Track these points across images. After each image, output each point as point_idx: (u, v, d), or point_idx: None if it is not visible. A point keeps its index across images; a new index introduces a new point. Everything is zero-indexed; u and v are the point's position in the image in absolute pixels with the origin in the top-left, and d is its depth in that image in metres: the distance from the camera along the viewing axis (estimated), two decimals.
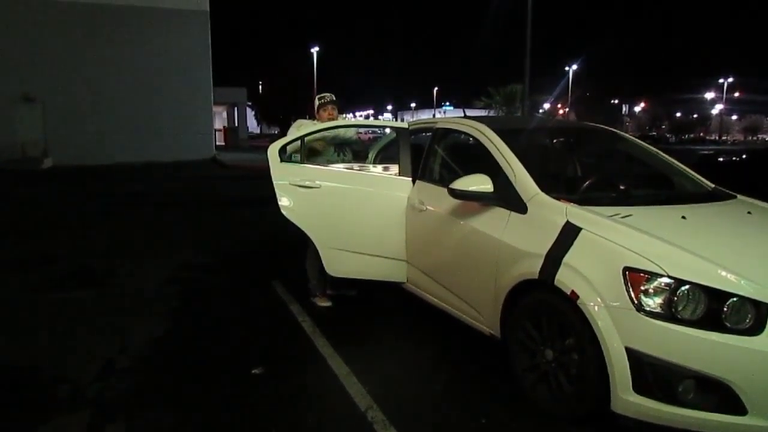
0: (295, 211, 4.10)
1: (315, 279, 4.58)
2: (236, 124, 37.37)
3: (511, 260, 3.04)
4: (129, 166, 20.59)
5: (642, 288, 2.45)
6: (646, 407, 2.42)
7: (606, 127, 4.58)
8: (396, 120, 12.45)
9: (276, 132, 43.73)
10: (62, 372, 3.34)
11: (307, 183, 4.09)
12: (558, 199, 3.06)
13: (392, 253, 4.14)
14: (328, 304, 4.57)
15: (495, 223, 3.23)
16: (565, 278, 2.69)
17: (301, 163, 4.23)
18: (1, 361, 3.55)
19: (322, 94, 4.75)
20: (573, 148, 4.45)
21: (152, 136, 23.42)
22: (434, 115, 54.40)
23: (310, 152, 4.37)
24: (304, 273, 4.62)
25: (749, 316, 2.35)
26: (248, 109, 42.26)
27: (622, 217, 2.84)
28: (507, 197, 3.23)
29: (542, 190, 3.13)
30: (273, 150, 4.18)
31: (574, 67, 49.58)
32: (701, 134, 76.74)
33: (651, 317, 2.41)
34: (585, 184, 3.51)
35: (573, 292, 2.63)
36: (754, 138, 75.12)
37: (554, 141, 4.72)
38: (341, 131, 4.51)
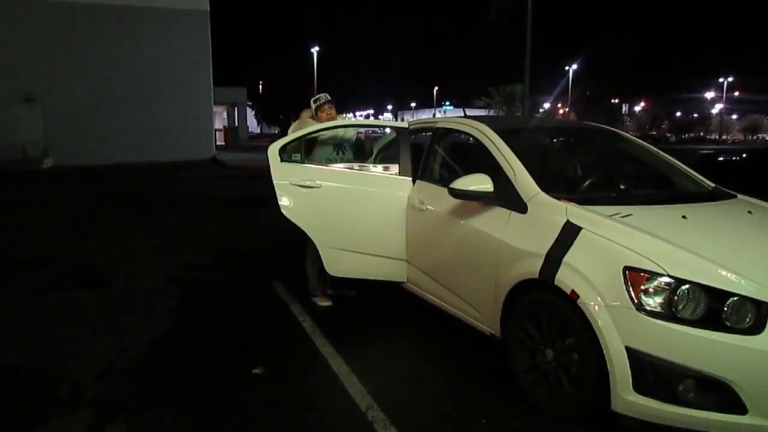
0: (296, 210, 4.10)
1: (315, 279, 4.59)
2: (236, 124, 37.38)
3: (512, 260, 3.04)
4: (129, 166, 20.59)
5: (642, 287, 2.45)
6: (646, 407, 2.42)
7: (606, 127, 4.59)
8: (396, 120, 12.48)
9: (276, 132, 43.76)
10: (62, 372, 3.34)
11: (308, 183, 4.09)
12: (558, 198, 3.06)
13: (392, 252, 4.14)
14: (328, 303, 4.57)
15: (495, 222, 3.23)
16: (565, 278, 2.69)
17: (302, 163, 4.23)
18: (1, 361, 3.55)
19: (316, 96, 4.74)
20: (573, 147, 4.45)
21: (152, 136, 23.41)
22: (434, 115, 54.40)
23: (308, 145, 4.37)
24: (305, 273, 4.62)
25: (749, 315, 2.35)
26: (248, 109, 42.27)
27: (623, 217, 2.84)
28: (507, 197, 3.23)
29: (542, 189, 3.13)
30: (273, 150, 4.18)
31: (574, 66, 49.57)
32: (701, 134, 76.70)
33: (651, 317, 2.41)
34: (585, 184, 3.51)
35: (573, 291, 2.63)
36: (754, 137, 75.10)
37: (554, 141, 4.73)
38: (340, 131, 4.52)
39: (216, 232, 8.12)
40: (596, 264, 2.63)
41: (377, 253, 4.15)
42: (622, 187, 3.55)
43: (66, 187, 14.42)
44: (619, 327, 2.47)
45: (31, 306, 4.63)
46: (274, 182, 4.11)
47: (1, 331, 4.08)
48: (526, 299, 2.98)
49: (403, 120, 5.40)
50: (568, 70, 49.15)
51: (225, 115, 39.64)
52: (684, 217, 2.96)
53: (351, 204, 4.15)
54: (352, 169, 4.29)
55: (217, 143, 29.56)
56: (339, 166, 4.30)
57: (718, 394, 2.34)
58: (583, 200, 3.07)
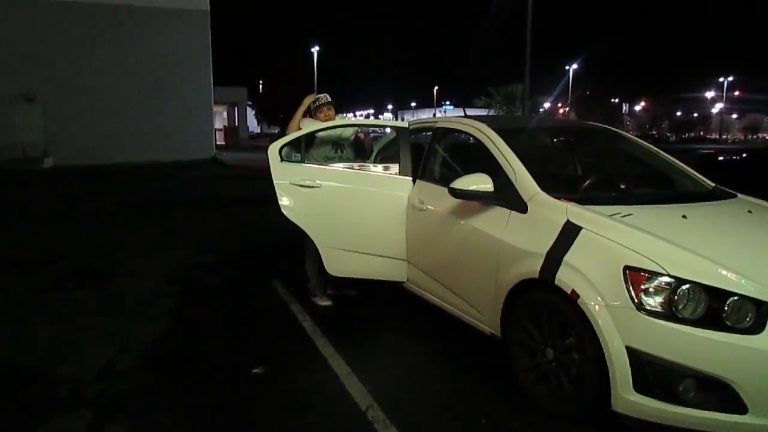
0: (296, 210, 4.10)
1: (314, 278, 4.59)
2: (236, 124, 37.36)
3: (512, 259, 3.04)
4: (129, 165, 20.59)
5: (642, 287, 2.45)
6: (646, 406, 2.42)
7: (606, 127, 4.58)
8: (396, 119, 12.47)
9: (276, 131, 43.72)
10: (62, 372, 3.34)
11: (308, 182, 4.09)
12: (558, 198, 3.06)
13: (393, 252, 4.13)
14: (328, 303, 4.57)
15: (495, 222, 3.23)
16: (565, 277, 2.69)
17: (301, 162, 4.23)
18: (2, 360, 3.55)
19: (317, 96, 4.75)
20: (573, 147, 4.44)
21: (153, 136, 23.41)
22: (434, 115, 54.38)
23: (307, 144, 4.37)
24: (305, 273, 4.62)
25: (750, 315, 2.35)
26: (248, 109, 42.24)
27: (623, 216, 2.84)
28: (507, 196, 3.22)
29: (543, 189, 3.13)
30: (273, 149, 4.18)
31: (574, 66, 49.55)
32: (701, 133, 76.67)
33: (651, 316, 2.41)
34: (585, 184, 3.51)
35: (573, 291, 2.63)
36: (755, 137, 75.08)
37: (555, 140, 4.72)
38: (339, 130, 4.52)
39: (216, 231, 8.11)
40: (596, 264, 2.63)
41: (377, 252, 4.15)
42: (622, 186, 3.55)
43: (66, 187, 14.42)
44: (620, 327, 2.47)
45: (31, 306, 4.63)
46: (274, 182, 4.11)
47: (1, 331, 4.08)
48: (527, 299, 2.98)
49: (403, 120, 5.40)
50: (568, 70, 49.13)
51: (225, 114, 39.62)
52: (684, 216, 2.96)
53: (351, 204, 4.15)
54: (352, 168, 4.29)
55: (218, 143, 29.55)
56: (339, 166, 4.30)
57: (718, 393, 2.34)
58: (584, 200, 3.07)
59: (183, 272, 5.67)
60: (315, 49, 42.09)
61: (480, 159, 3.58)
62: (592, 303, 2.55)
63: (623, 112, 72.37)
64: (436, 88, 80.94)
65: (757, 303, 2.35)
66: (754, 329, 2.33)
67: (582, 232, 2.77)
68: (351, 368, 3.38)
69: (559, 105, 51.65)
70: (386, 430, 2.71)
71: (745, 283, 2.39)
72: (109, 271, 5.68)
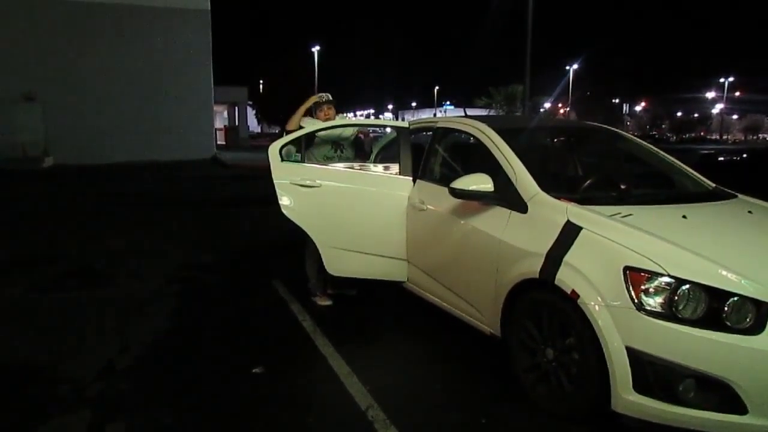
0: (296, 210, 4.10)
1: (314, 278, 4.59)
2: (237, 124, 37.34)
3: (512, 259, 3.04)
4: (129, 165, 20.59)
5: (642, 287, 2.45)
6: (646, 406, 2.42)
7: (606, 127, 4.58)
8: (397, 119, 12.46)
9: (277, 131, 43.72)
10: (62, 372, 3.34)
11: (308, 182, 4.09)
12: (558, 198, 3.06)
13: (393, 252, 4.13)
14: (328, 303, 4.57)
15: (495, 222, 3.23)
16: (565, 277, 2.69)
17: (301, 162, 4.23)
18: (2, 360, 3.55)
19: (317, 95, 4.76)
20: (573, 147, 4.44)
21: (153, 136, 23.39)
22: (435, 115, 54.39)
23: (307, 143, 4.37)
24: (305, 272, 4.62)
25: (750, 315, 2.35)
26: (249, 109, 42.22)
27: (623, 217, 2.84)
28: (507, 196, 3.22)
29: (543, 189, 3.13)
30: (274, 149, 4.18)
31: (575, 66, 49.56)
32: (702, 134, 76.68)
33: (651, 316, 2.41)
34: (585, 184, 3.51)
35: (573, 291, 2.63)
36: (755, 137, 75.06)
37: (555, 140, 4.72)
38: (339, 129, 4.52)
39: (216, 231, 8.11)
40: (597, 264, 2.62)
41: (377, 252, 4.15)
42: (622, 186, 3.55)
43: (66, 186, 14.42)
44: (620, 327, 2.47)
45: (31, 305, 4.63)
46: (275, 181, 4.11)
47: (1, 330, 4.08)
48: (527, 299, 2.98)
49: (403, 119, 5.40)
50: (569, 70, 49.14)
51: (225, 114, 39.60)
52: (684, 216, 2.96)
53: (351, 203, 4.15)
54: (352, 168, 4.29)
55: (218, 142, 29.54)
56: (339, 166, 4.30)
57: (718, 394, 2.34)
58: (584, 200, 3.07)
59: (183, 272, 5.67)
60: (315, 49, 42.08)
61: (480, 159, 3.59)
62: (592, 303, 2.55)
63: (624, 112, 72.37)
64: (437, 88, 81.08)
65: (757, 303, 2.35)
66: (754, 330, 2.33)
67: (582, 232, 2.77)
68: (351, 368, 3.38)
69: (560, 105, 51.67)
70: (386, 430, 2.71)
71: (745, 283, 2.39)
72: (109, 270, 5.69)
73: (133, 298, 4.81)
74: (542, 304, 2.89)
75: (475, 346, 3.63)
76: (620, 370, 2.46)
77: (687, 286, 2.40)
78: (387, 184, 4.19)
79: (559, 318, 2.77)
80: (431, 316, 4.03)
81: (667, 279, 2.42)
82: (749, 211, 3.25)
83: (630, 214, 2.87)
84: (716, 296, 2.38)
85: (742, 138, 74.57)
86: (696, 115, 79.48)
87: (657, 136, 59.64)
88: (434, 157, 4.16)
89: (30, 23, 21.74)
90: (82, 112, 22.46)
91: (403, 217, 4.08)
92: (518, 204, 3.16)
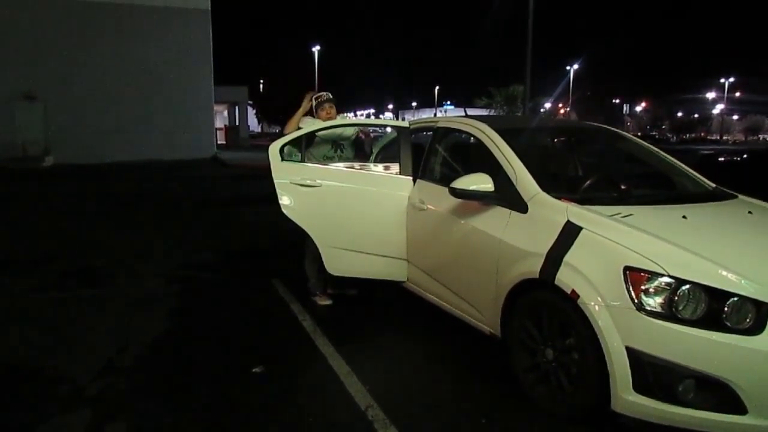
0: (296, 209, 4.10)
1: (314, 278, 4.59)
2: (237, 123, 37.35)
3: (512, 259, 3.04)
4: (130, 164, 20.61)
5: (642, 287, 2.45)
6: (646, 406, 2.42)
7: (607, 127, 4.59)
8: (397, 119, 12.43)
9: (277, 131, 43.71)
10: (62, 371, 3.34)
11: (308, 182, 4.09)
12: (559, 198, 3.06)
13: (393, 252, 4.13)
14: (328, 302, 4.57)
15: (495, 222, 3.23)
16: (565, 277, 2.69)
17: (301, 161, 4.23)
18: (2, 359, 3.55)
19: (318, 94, 4.75)
20: (574, 147, 4.44)
21: (153, 135, 23.42)
22: (435, 114, 54.38)
23: (307, 143, 4.37)
24: (305, 272, 4.62)
25: (750, 315, 2.35)
26: (249, 108, 42.23)
27: (623, 217, 2.84)
28: (508, 196, 3.22)
29: (543, 189, 3.13)
30: (274, 149, 4.18)
31: (575, 66, 49.57)
32: (702, 134, 76.70)
33: (651, 317, 2.41)
34: (586, 184, 3.50)
35: (573, 291, 2.63)
36: (755, 138, 75.05)
37: (555, 140, 4.72)
38: (339, 129, 4.52)
39: (216, 230, 8.11)
40: (597, 264, 2.63)
41: (377, 252, 4.15)
42: (622, 187, 3.55)
43: (66, 185, 14.43)
44: (620, 327, 2.47)
45: (31, 304, 4.63)
46: (275, 181, 4.11)
47: (1, 330, 4.08)
48: (527, 299, 2.98)
49: (404, 119, 5.39)
50: (569, 70, 49.15)
51: (226, 114, 39.61)
52: (684, 217, 2.96)
53: (351, 203, 4.15)
54: (352, 168, 4.29)
55: (218, 142, 29.55)
56: (340, 166, 4.30)
57: (717, 394, 2.34)
58: (584, 200, 3.07)
59: (183, 271, 5.67)
60: (316, 49, 42.08)
61: (480, 159, 3.58)
62: (592, 303, 2.55)
63: (624, 112, 72.40)
64: (437, 87, 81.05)
65: (757, 304, 2.35)
66: (754, 330, 2.33)
67: (582, 232, 2.77)
68: (351, 368, 3.38)
69: (560, 105, 51.66)
70: (386, 430, 2.71)
71: (745, 283, 2.39)
72: (109, 269, 5.69)
73: (132, 297, 4.82)
74: (542, 304, 2.89)
75: (475, 346, 3.63)
76: (620, 370, 2.46)
77: (687, 286, 2.40)
78: (387, 184, 4.19)
79: (559, 318, 2.77)
80: (431, 316, 4.03)
81: (667, 279, 2.42)
82: (749, 212, 3.25)
83: (630, 215, 2.87)
84: (716, 296, 2.38)
85: (743, 138, 74.56)
86: (696, 115, 79.50)
87: (657, 136, 59.65)
88: (434, 157, 4.16)
89: (30, 23, 21.75)
90: (83, 112, 22.49)
91: (403, 217, 4.08)
92: (518, 204, 3.16)
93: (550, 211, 3.00)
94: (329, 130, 4.47)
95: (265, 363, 3.45)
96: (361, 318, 4.36)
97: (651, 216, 2.94)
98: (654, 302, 2.43)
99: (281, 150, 4.20)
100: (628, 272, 2.49)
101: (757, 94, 64.88)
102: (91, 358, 3.50)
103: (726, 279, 2.41)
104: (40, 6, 21.84)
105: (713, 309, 2.37)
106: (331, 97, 4.68)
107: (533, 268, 2.86)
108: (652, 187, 3.88)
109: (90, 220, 8.93)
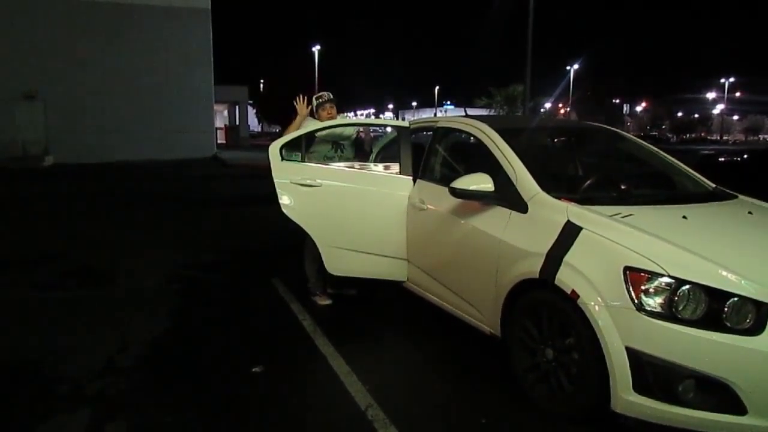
0: (296, 209, 4.10)
1: (314, 278, 4.59)
2: (237, 123, 37.35)
3: (512, 259, 3.04)
4: (130, 164, 20.60)
5: (642, 287, 2.45)
6: (646, 407, 2.42)
7: (607, 127, 4.59)
8: (397, 119, 12.42)
9: (277, 131, 43.71)
10: (62, 370, 3.34)
11: (308, 181, 4.09)
12: (559, 198, 3.06)
13: (393, 251, 4.13)
14: (328, 302, 4.57)
15: (496, 222, 3.23)
16: (565, 277, 2.69)
17: (301, 161, 4.23)
18: (1, 359, 3.55)
19: (319, 94, 4.75)
20: (574, 147, 4.45)
21: (153, 135, 23.41)
22: (435, 114, 54.36)
23: (307, 142, 4.37)
24: (305, 272, 4.62)
25: (750, 316, 2.35)
26: (249, 108, 42.23)
27: (623, 217, 2.84)
28: (508, 196, 3.22)
29: (543, 189, 3.13)
30: (274, 148, 4.18)
31: (575, 66, 49.54)
32: (702, 134, 76.71)
33: (651, 317, 2.41)
34: (586, 184, 3.51)
35: (573, 291, 2.63)
36: (755, 138, 75.05)
37: (555, 140, 4.72)
38: (339, 129, 4.52)
39: (216, 230, 8.12)
40: (597, 264, 2.62)
41: (377, 252, 4.15)
42: (622, 187, 3.55)
43: (67, 185, 14.42)
44: (619, 327, 2.47)
45: (31, 304, 4.63)
46: (275, 181, 4.11)
47: (1, 329, 4.08)
48: (527, 299, 2.98)
49: (404, 119, 5.39)
50: (569, 70, 49.14)
51: (226, 113, 39.60)
52: (685, 217, 2.96)
53: (351, 203, 4.15)
54: (352, 168, 4.29)
55: (218, 142, 29.55)
56: (339, 165, 4.30)
57: (717, 394, 2.34)
58: (584, 200, 3.07)
59: (183, 271, 5.67)
60: (316, 49, 42.06)
61: (481, 159, 3.58)
62: (592, 303, 2.55)
63: (624, 112, 72.38)
64: (437, 87, 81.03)
65: (757, 304, 2.35)
66: (754, 330, 2.33)
67: (582, 232, 2.77)
68: (351, 368, 3.38)
69: (560, 105, 51.66)
70: (386, 430, 2.71)
71: (745, 284, 2.39)
72: (109, 269, 5.69)
73: (132, 297, 4.82)
74: (542, 304, 2.89)
75: (475, 346, 3.62)
76: (620, 370, 2.46)
77: (687, 286, 2.40)
78: (387, 184, 4.19)
79: (559, 318, 2.77)
80: (431, 315, 4.03)
81: (667, 279, 2.42)
82: (749, 212, 3.25)
83: (630, 215, 2.87)
84: (716, 297, 2.38)
85: (743, 138, 74.57)
86: (696, 115, 79.50)
87: (657, 136, 59.60)
88: (435, 157, 4.16)
89: (30, 22, 21.74)
90: (83, 111, 22.49)
91: (403, 217, 4.08)
92: (518, 204, 3.16)
93: (550, 211, 3.00)
94: (329, 130, 4.47)
95: (265, 363, 3.44)
96: (361, 318, 4.36)
97: (651, 216, 2.94)
98: (654, 302, 2.43)
99: (281, 150, 4.20)
100: (628, 272, 2.49)
101: (757, 94, 64.90)
102: (91, 358, 3.50)
103: (726, 279, 2.41)
104: (39, 6, 21.83)
105: (713, 309, 2.37)
106: (331, 97, 4.68)
107: (533, 268, 2.86)
108: (652, 187, 3.88)
109: (90, 220, 8.92)
